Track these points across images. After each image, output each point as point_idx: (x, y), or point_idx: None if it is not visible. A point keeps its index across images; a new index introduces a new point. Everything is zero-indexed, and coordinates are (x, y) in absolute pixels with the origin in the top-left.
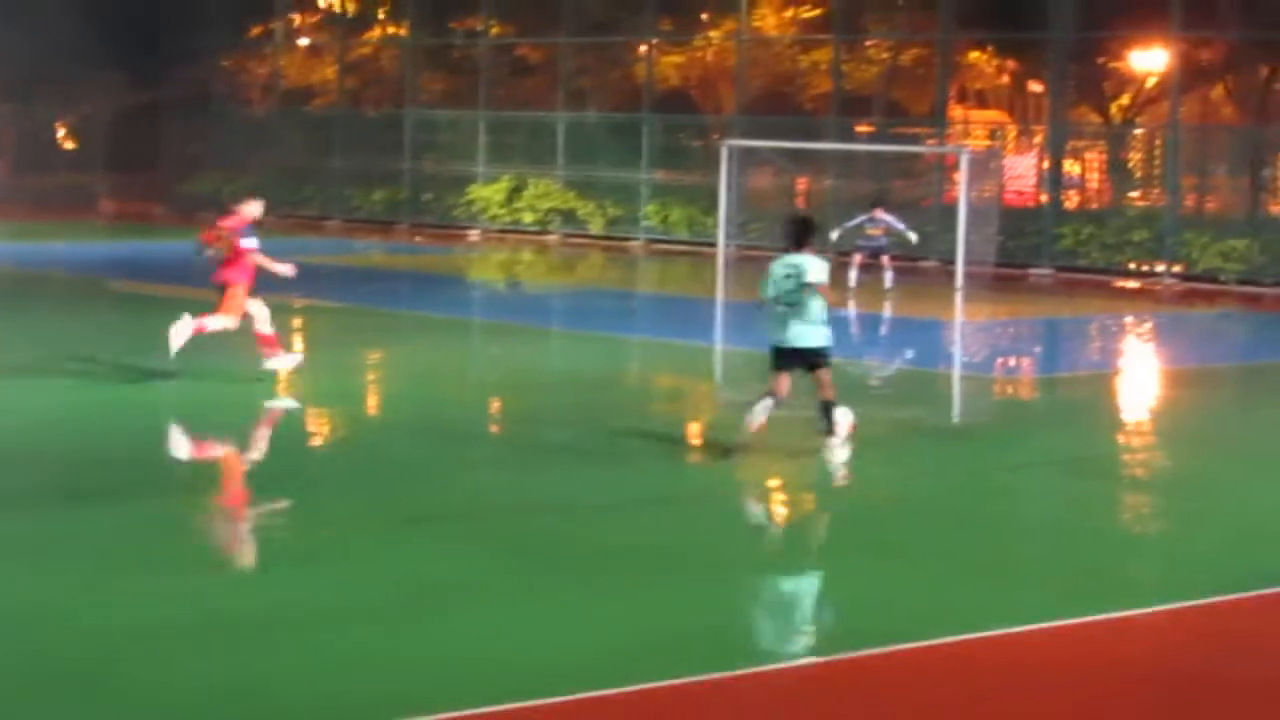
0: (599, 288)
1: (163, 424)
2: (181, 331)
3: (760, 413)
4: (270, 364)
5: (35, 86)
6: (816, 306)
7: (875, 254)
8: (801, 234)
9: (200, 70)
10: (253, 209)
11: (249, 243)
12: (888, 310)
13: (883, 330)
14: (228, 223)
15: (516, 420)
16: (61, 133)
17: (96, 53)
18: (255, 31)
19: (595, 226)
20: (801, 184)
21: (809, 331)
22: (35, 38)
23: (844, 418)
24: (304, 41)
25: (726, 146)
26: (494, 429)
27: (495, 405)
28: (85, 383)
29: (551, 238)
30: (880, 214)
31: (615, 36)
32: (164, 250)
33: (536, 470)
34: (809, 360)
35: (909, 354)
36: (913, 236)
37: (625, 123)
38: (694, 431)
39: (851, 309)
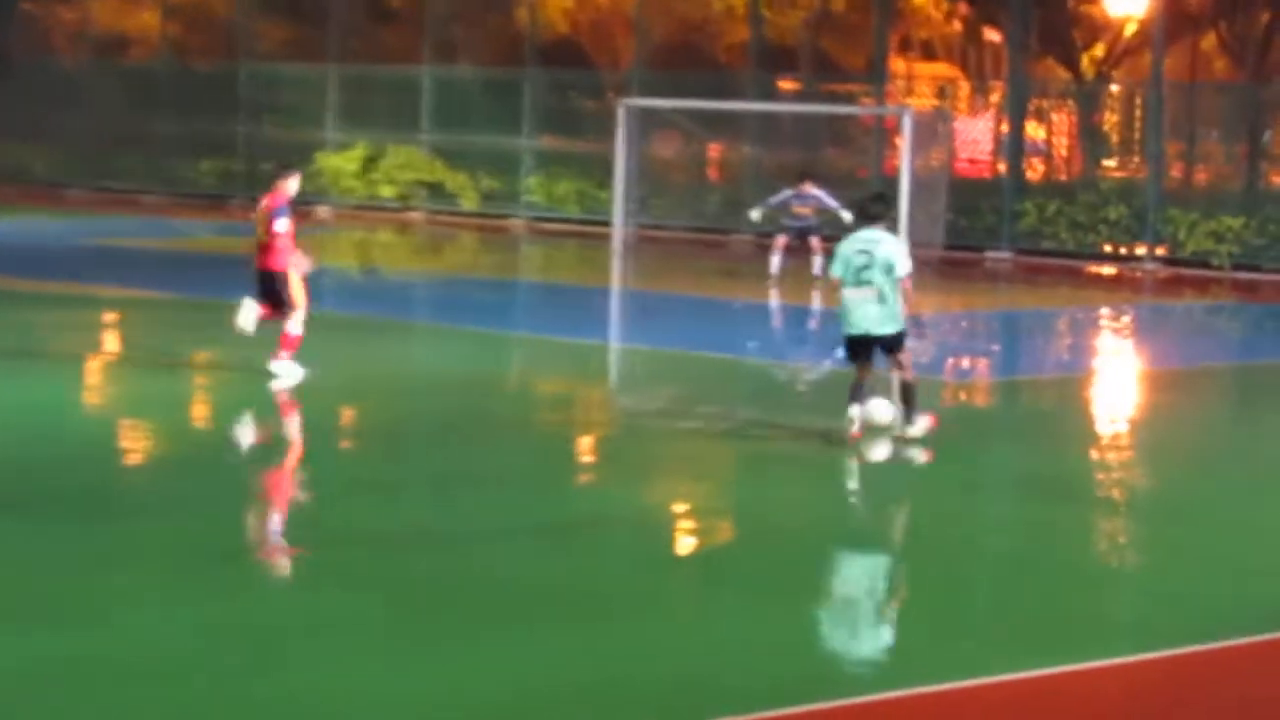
0: (471, 275)
1: None
2: (248, 314)
3: (881, 413)
4: (277, 368)
5: None
6: (894, 291)
7: (802, 235)
8: (875, 210)
9: None
10: (290, 185)
11: (280, 225)
12: (817, 301)
13: (811, 325)
14: (266, 201)
15: (374, 433)
16: None
17: None
18: None
19: (468, 202)
20: (714, 151)
21: (886, 317)
22: None
23: (901, 414)
24: None
25: (624, 107)
26: (346, 443)
27: (348, 415)
28: None
29: (415, 215)
30: (809, 188)
31: None
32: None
33: (399, 492)
34: (886, 345)
35: (841, 353)
36: (847, 215)
37: (504, 79)
38: (585, 446)
39: (774, 300)
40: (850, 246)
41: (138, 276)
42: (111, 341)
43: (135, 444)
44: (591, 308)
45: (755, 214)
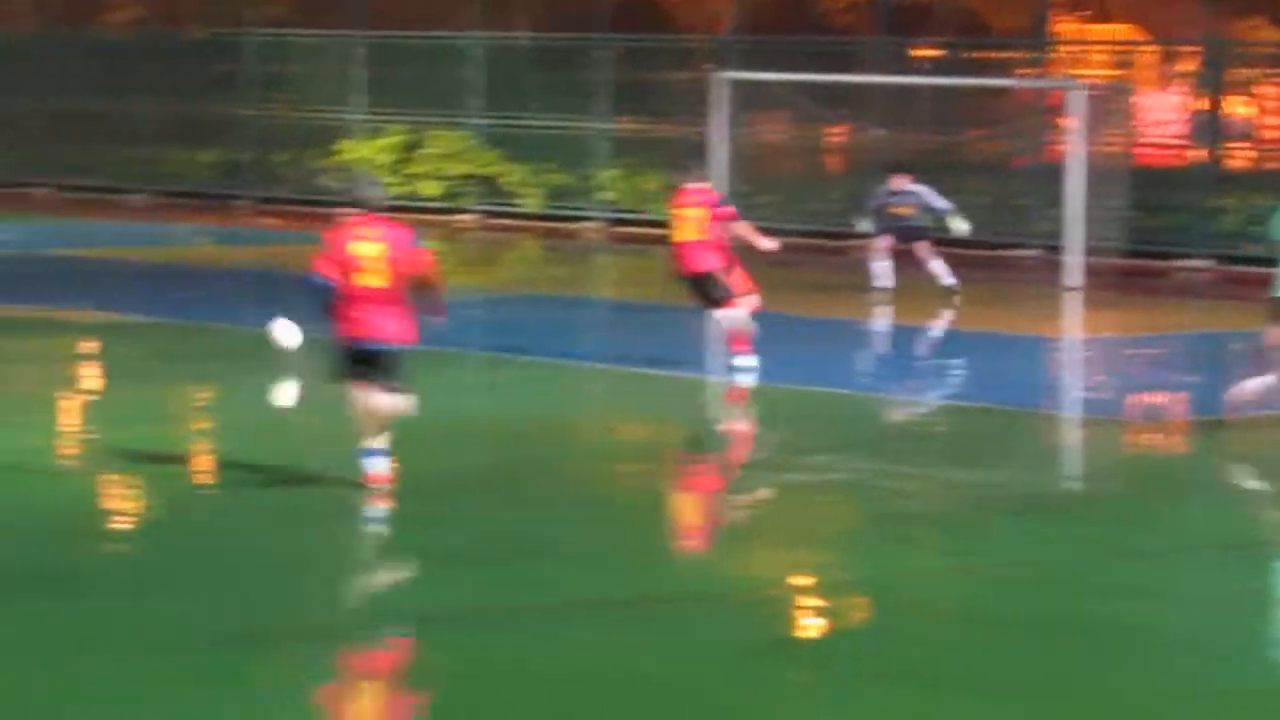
0: (535, 292)
1: None
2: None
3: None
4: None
5: None
6: None
7: (907, 238)
8: None
9: None
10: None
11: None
12: (947, 321)
13: (945, 351)
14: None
15: (410, 490)
16: None
17: None
18: None
19: (530, 202)
20: (834, 135)
21: None
22: None
23: None
24: None
25: (720, 81)
26: (375, 501)
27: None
28: None
29: (466, 218)
30: (904, 184)
31: None
32: None
33: (449, 561)
34: None
35: (989, 388)
36: (962, 224)
37: (571, 47)
38: (675, 505)
39: (883, 319)
40: None
41: (119, 296)
42: (89, 378)
43: (118, 503)
44: (678, 332)
45: (864, 223)
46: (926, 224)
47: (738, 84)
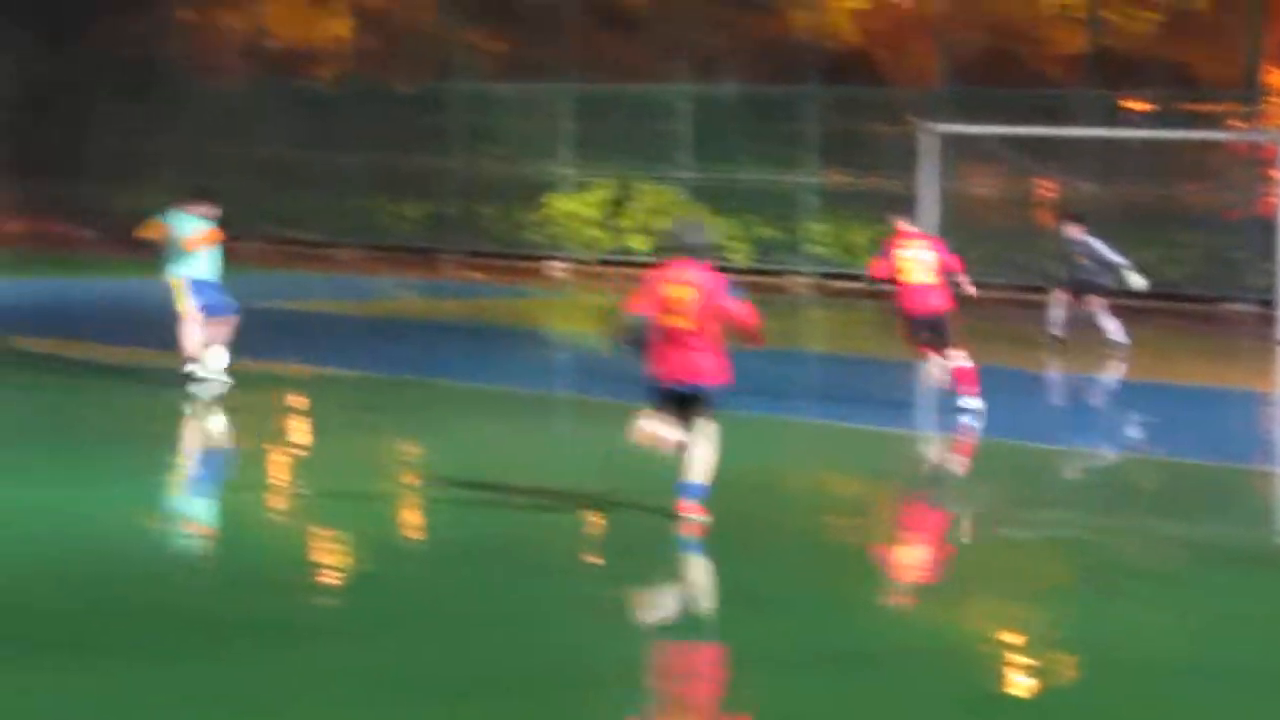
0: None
1: None
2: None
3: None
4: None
5: None
6: None
7: (1078, 290)
8: None
9: (143, 24)
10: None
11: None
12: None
13: (1145, 406)
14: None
15: (623, 546)
16: None
17: None
18: None
19: (739, 256)
20: (1045, 189)
21: None
22: None
23: None
24: None
25: (929, 133)
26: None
27: (590, 521)
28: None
29: None
30: (1073, 232)
31: None
32: (97, 292)
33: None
34: None
35: (1204, 443)
36: (1137, 279)
37: (779, 99)
38: (884, 559)
39: (1085, 370)
40: None
41: (325, 349)
42: (298, 431)
43: (329, 556)
44: (882, 384)
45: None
46: (1102, 277)
47: (947, 136)
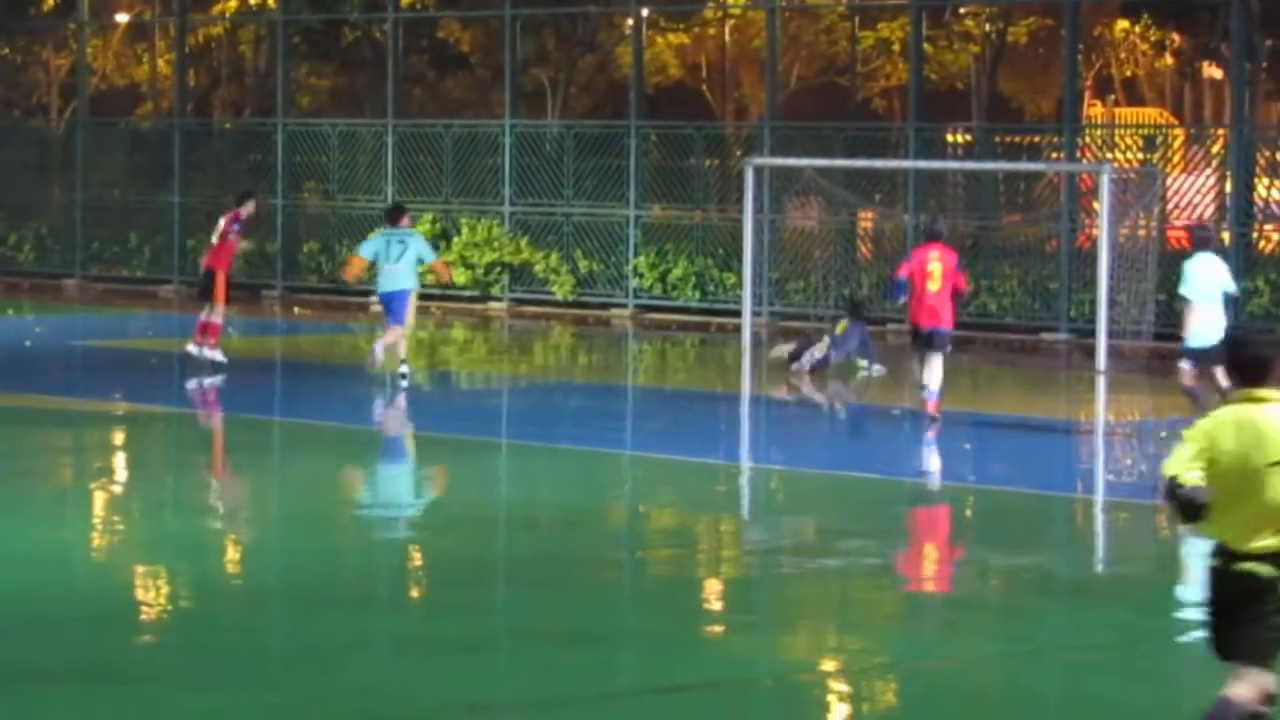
0: (567, 380)
1: None
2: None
3: None
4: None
5: None
6: None
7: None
8: None
9: None
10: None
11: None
12: (973, 405)
13: (974, 436)
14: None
15: (455, 577)
16: None
17: None
18: (48, 4)
19: (561, 289)
20: (866, 220)
21: None
22: None
23: None
24: (123, 19)
25: (753, 167)
26: (418, 590)
27: (423, 553)
28: None
29: (496, 306)
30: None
31: (587, 5)
32: None
33: (486, 652)
34: None
35: (1022, 473)
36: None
37: (604, 134)
38: (711, 591)
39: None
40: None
41: (144, 386)
42: (115, 469)
43: (151, 595)
44: (708, 419)
45: None
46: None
47: (771, 170)
